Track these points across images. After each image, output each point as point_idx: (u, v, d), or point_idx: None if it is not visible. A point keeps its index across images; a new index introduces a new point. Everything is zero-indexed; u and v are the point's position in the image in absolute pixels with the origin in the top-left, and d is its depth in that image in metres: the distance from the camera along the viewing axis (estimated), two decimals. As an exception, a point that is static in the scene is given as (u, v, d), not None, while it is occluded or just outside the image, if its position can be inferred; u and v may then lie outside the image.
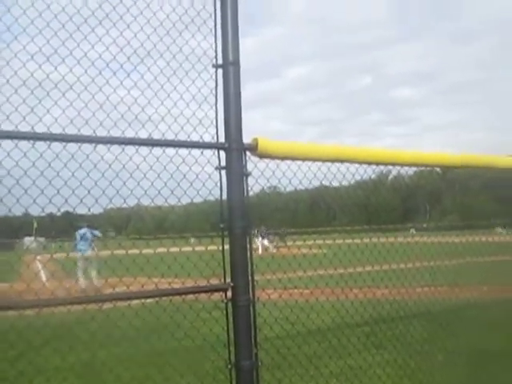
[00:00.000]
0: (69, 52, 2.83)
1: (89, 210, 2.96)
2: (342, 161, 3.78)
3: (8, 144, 2.63)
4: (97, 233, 16.75)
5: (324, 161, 3.69)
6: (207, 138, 3.12)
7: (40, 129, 2.67)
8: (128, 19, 2.99)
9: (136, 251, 3.64)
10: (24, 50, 2.69)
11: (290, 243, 28.76)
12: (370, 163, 3.98)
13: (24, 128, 2.63)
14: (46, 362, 5.92)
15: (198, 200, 3.38)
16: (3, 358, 5.93)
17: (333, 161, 3.74)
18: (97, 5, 2.90)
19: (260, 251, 29.70)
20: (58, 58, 2.80)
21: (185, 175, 3.11)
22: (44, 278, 14.43)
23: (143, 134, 2.95)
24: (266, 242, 34.37)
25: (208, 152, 3.14)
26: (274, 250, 30.78)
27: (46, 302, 2.83)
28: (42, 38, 2.75)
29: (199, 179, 3.16)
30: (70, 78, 2.82)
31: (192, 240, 32.59)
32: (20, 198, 2.64)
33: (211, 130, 3.14)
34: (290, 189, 3.93)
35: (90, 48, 2.89)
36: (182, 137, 3.06)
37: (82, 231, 15.84)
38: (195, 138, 3.10)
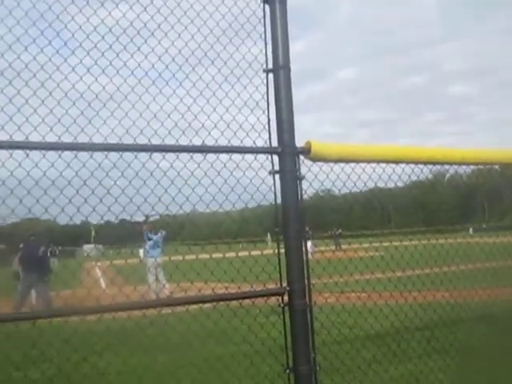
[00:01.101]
0: (123, 63, 2.90)
1: (146, 217, 3.02)
2: (396, 161, 3.71)
3: (67, 155, 2.72)
4: (161, 234, 15.65)
5: (378, 162, 3.63)
6: (260, 143, 3.13)
7: (97, 139, 2.75)
8: (179, 29, 3.04)
9: (192, 256, 3.68)
10: (81, 63, 2.78)
11: (344, 246, 28.23)
12: (425, 163, 3.89)
13: (82, 139, 2.71)
14: (108, 366, 6.07)
15: (251, 205, 3.39)
16: (68, 361, 6.12)
17: (387, 161, 3.67)
18: (148, 16, 2.96)
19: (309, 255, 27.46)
20: (112, 70, 2.88)
21: (238, 180, 3.13)
22: (104, 285, 14.81)
23: (197, 141, 2.99)
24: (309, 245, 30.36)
25: (261, 157, 3.15)
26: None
27: (107, 307, 2.90)
28: (97, 51, 2.83)
29: (253, 184, 3.17)
30: (125, 89, 2.89)
31: (241, 245, 32.54)
32: (77, 207, 2.72)
33: (264, 134, 3.15)
34: (344, 191, 3.89)
35: (143, 59, 2.96)
36: (235, 142, 3.08)
37: (155, 237, 15.17)
38: (248, 143, 3.11)
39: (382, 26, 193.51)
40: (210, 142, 3.01)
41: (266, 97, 3.18)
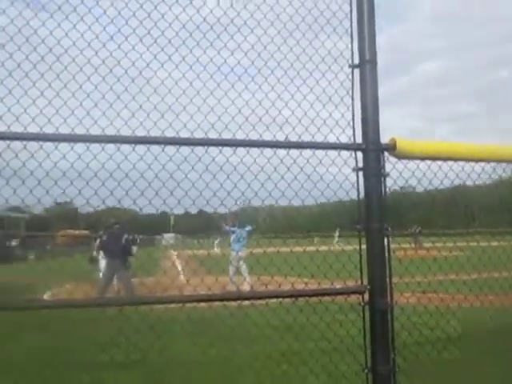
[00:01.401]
0: (209, 59, 2.97)
1: (228, 209, 3.09)
2: (483, 160, 3.54)
3: (155, 149, 2.82)
4: (249, 228, 15.43)
5: (464, 160, 3.48)
6: (344, 139, 3.10)
7: (184, 134, 2.83)
8: (265, 24, 3.07)
9: (273, 250, 3.70)
10: (169, 60, 2.87)
11: (427, 245, 27.38)
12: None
13: (170, 134, 2.80)
14: (187, 355, 6.22)
15: (332, 200, 3.36)
16: (151, 348, 6.31)
17: (474, 160, 3.51)
18: (235, 13, 3.01)
19: None
20: (199, 65, 2.96)
21: (322, 176, 3.11)
22: (184, 275, 15.15)
23: (280, 136, 3.00)
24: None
25: (344, 153, 3.11)
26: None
27: (190, 297, 2.98)
28: (186, 48, 2.92)
29: (336, 180, 3.14)
30: (211, 85, 2.96)
31: (316, 240, 32.42)
32: (163, 199, 2.83)
33: (348, 130, 3.11)
34: (428, 188, 3.78)
35: (230, 54, 3.01)
36: (319, 138, 3.06)
37: (238, 231, 14.71)
38: (332, 139, 3.09)
39: (471, 18, 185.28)
40: (293, 138, 3.02)
41: (350, 92, 3.13)
